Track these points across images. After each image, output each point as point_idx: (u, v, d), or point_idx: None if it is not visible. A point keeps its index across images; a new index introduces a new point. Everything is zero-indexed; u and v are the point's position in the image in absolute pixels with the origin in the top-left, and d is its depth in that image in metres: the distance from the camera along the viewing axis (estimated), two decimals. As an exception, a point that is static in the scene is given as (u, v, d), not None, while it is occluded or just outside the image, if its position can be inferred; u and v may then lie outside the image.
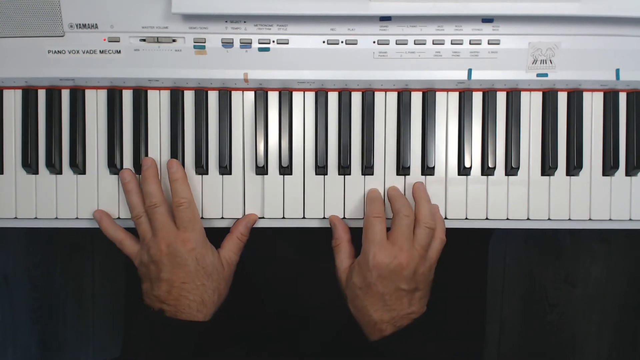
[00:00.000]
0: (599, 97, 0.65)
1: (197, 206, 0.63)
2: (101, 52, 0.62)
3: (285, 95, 0.65)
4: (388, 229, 0.60)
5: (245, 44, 0.62)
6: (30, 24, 0.61)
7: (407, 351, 0.57)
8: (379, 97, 0.65)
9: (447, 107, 0.65)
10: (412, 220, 0.59)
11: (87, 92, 0.64)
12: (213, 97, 0.65)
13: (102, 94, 0.64)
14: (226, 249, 0.63)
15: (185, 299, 0.58)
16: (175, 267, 0.59)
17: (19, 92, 0.64)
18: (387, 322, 0.58)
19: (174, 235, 0.59)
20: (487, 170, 0.65)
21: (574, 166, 0.64)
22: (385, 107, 0.65)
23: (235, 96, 0.65)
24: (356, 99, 0.65)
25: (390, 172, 0.65)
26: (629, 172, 0.66)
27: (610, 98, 0.65)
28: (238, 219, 0.65)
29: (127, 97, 0.64)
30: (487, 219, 0.65)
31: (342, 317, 0.75)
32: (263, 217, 0.65)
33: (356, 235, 0.63)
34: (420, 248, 0.59)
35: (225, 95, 0.64)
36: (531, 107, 0.65)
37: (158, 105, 0.65)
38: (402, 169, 0.65)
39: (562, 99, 0.65)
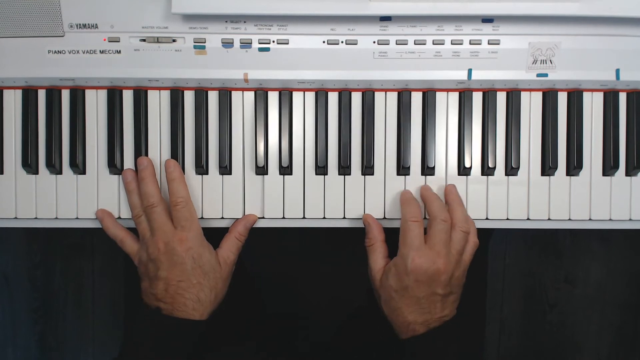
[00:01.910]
0: (599, 97, 0.65)
1: (196, 206, 0.63)
2: (101, 52, 0.62)
3: (285, 95, 0.64)
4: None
5: (245, 44, 0.62)
6: (30, 24, 0.61)
7: (435, 351, 0.58)
8: (379, 97, 0.65)
9: (447, 107, 0.65)
10: (449, 225, 0.60)
11: (87, 92, 0.64)
12: (213, 97, 0.65)
13: (102, 94, 0.64)
14: (224, 248, 0.63)
15: (182, 297, 0.59)
16: (172, 266, 0.59)
17: (19, 92, 0.64)
18: (421, 324, 0.58)
19: (171, 235, 0.60)
20: (487, 170, 0.65)
21: (574, 166, 0.64)
22: (385, 107, 0.65)
23: (235, 96, 0.65)
24: (356, 99, 0.65)
25: (391, 172, 0.65)
26: (629, 172, 0.66)
27: (610, 98, 0.65)
28: (238, 219, 0.65)
29: (127, 97, 0.64)
30: (487, 219, 0.65)
31: (342, 317, 0.75)
32: (263, 217, 0.65)
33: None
34: (456, 253, 0.59)
35: (225, 95, 0.64)
36: (531, 107, 0.65)
37: (158, 105, 0.65)
38: (402, 169, 0.65)
39: (562, 99, 0.65)
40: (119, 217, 0.65)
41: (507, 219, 0.65)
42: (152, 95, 0.65)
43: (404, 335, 0.60)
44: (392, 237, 0.63)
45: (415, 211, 0.61)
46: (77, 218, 0.65)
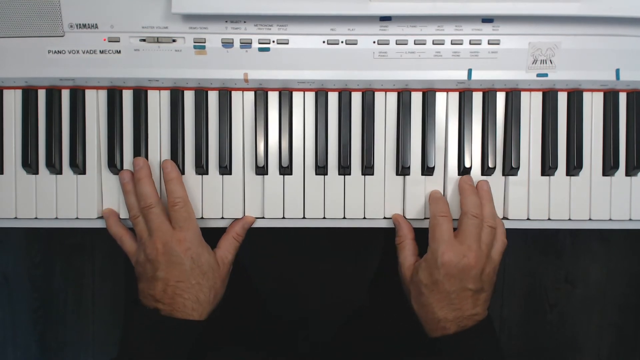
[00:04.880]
0: (599, 97, 0.65)
1: (196, 206, 0.63)
2: (101, 52, 0.62)
3: (285, 95, 0.64)
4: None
5: (245, 44, 0.62)
6: (30, 24, 0.61)
7: (466, 352, 0.58)
8: (379, 97, 0.65)
9: (447, 107, 0.65)
10: (481, 221, 0.60)
11: (87, 92, 0.64)
12: (213, 97, 0.65)
13: (102, 94, 0.64)
14: (222, 248, 0.63)
15: (180, 297, 0.59)
16: (171, 266, 0.59)
17: (19, 92, 0.64)
18: (451, 321, 0.58)
19: (170, 235, 0.60)
20: (487, 170, 0.65)
21: (574, 166, 0.64)
22: (385, 107, 0.65)
23: (235, 96, 0.65)
24: (356, 99, 0.65)
25: (390, 172, 0.65)
26: (629, 172, 0.66)
27: (610, 98, 0.65)
28: (237, 219, 0.65)
29: (127, 97, 0.64)
30: (487, 219, 0.65)
31: (342, 317, 0.75)
32: (263, 217, 0.65)
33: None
34: (485, 247, 0.59)
35: (225, 95, 0.64)
36: (531, 107, 0.65)
37: (158, 105, 0.65)
38: (402, 169, 0.65)
39: (562, 99, 0.65)
40: (118, 218, 0.65)
41: (508, 218, 0.65)
42: (152, 95, 0.65)
43: (434, 334, 0.59)
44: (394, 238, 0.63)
45: (444, 207, 0.61)
46: (77, 218, 0.65)
